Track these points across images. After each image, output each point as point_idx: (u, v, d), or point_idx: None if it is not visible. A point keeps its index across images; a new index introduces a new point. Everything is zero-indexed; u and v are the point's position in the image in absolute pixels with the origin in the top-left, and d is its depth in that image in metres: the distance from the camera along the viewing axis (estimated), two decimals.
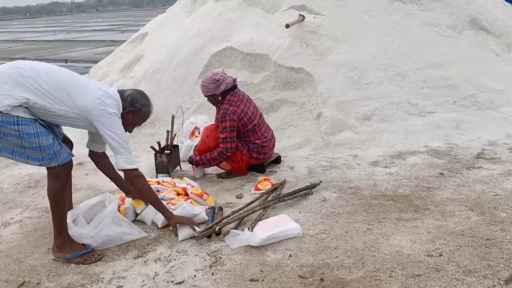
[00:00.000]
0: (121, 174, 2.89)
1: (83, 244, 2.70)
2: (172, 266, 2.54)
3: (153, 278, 2.45)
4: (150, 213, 3.07)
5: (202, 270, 2.50)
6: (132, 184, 2.86)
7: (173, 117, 3.97)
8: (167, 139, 3.90)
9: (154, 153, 3.83)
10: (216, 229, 2.80)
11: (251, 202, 3.19)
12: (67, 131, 2.90)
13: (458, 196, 3.20)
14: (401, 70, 4.86)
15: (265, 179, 3.59)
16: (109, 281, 2.45)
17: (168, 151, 3.84)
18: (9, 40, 22.60)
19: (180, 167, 4.01)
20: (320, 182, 3.51)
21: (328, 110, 4.48)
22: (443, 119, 4.49)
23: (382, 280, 2.31)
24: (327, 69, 4.78)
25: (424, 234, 2.72)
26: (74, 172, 3.11)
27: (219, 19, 5.57)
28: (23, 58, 2.57)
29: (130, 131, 2.88)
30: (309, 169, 3.85)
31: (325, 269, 2.44)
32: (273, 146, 3.91)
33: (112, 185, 3.64)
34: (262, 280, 2.38)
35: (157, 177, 3.71)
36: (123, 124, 2.73)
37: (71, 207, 3.00)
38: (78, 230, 2.69)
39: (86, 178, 3.88)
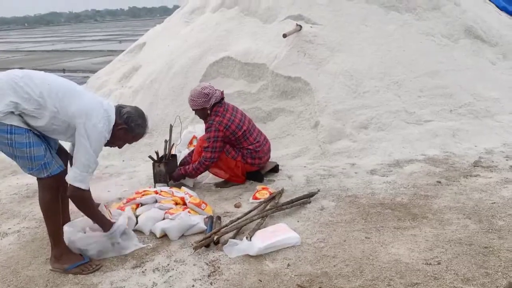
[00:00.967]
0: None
1: (81, 255, 2.69)
2: (170, 276, 2.54)
3: None
4: (148, 224, 3.07)
5: (200, 279, 2.49)
6: (71, 199, 2.64)
7: (171, 126, 3.98)
8: (165, 149, 3.90)
9: (152, 163, 3.83)
10: (214, 238, 2.80)
11: (250, 211, 3.19)
12: (65, 143, 2.88)
13: (455, 204, 3.21)
14: (398, 79, 4.90)
15: (263, 188, 3.59)
16: None
17: (166, 161, 3.84)
18: (7, 50, 22.66)
19: None
20: (318, 190, 3.51)
21: (326, 119, 4.50)
22: (440, 128, 4.51)
23: None
24: (324, 78, 4.81)
25: (422, 242, 2.73)
26: None
27: (217, 29, 5.60)
28: (21, 68, 2.57)
29: (119, 147, 2.88)
30: (307, 178, 3.85)
31: (324, 278, 2.43)
32: (268, 150, 3.92)
33: (109, 195, 3.66)
34: None
35: (155, 187, 3.71)
36: (112, 139, 2.70)
37: (68, 218, 3.00)
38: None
39: None
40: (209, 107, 3.68)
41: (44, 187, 2.56)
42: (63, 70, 12.59)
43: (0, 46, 25.73)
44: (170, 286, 2.45)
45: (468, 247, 2.64)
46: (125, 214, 2.94)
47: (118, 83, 6.01)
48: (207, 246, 2.79)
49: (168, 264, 2.66)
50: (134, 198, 3.36)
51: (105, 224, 2.75)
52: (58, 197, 2.63)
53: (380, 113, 4.59)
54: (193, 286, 2.44)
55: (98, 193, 3.70)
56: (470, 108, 4.77)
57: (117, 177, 4.15)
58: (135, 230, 3.06)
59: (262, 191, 3.53)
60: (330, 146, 4.33)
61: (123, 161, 4.57)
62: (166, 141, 3.94)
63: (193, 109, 3.77)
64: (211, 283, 2.45)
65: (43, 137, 2.57)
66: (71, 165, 2.62)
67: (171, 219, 3.02)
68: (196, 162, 3.69)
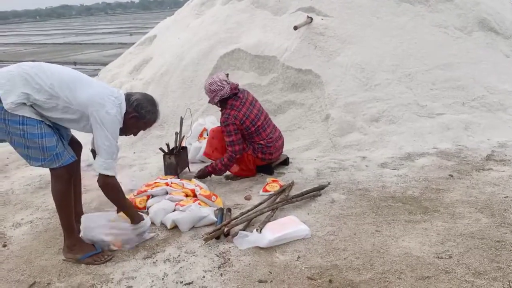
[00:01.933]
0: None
1: (93, 245, 2.72)
2: (181, 267, 2.56)
3: (162, 279, 2.47)
4: (159, 214, 3.09)
5: (210, 271, 2.51)
6: (102, 189, 2.67)
7: (181, 119, 3.99)
8: (175, 141, 3.92)
9: (163, 155, 3.86)
10: (225, 230, 2.81)
11: (260, 204, 3.19)
12: (77, 133, 2.90)
13: (467, 198, 3.18)
14: (410, 71, 4.85)
15: (273, 181, 3.59)
16: (118, 281, 2.47)
17: (177, 153, 3.85)
18: (19, 43, 22.85)
19: (189, 168, 4.03)
20: (329, 183, 3.50)
21: (336, 112, 4.47)
22: (452, 121, 4.47)
23: (391, 282, 2.31)
24: (335, 71, 4.78)
25: (434, 236, 2.71)
26: (84, 173, 3.15)
27: (227, 21, 5.59)
28: (32, 61, 2.62)
29: (134, 135, 2.88)
30: (317, 171, 3.85)
31: (334, 271, 2.43)
32: (281, 146, 3.91)
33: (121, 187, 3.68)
34: (271, 281, 2.38)
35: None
36: (125, 127, 2.71)
37: (81, 210, 3.03)
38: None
39: (96, 179, 3.89)
40: (213, 103, 3.71)
41: (56, 178, 2.58)
42: (74, 63, 12.67)
43: (12, 39, 25.95)
44: (181, 277, 2.47)
45: (480, 241, 2.62)
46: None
47: (129, 76, 6.04)
48: (218, 237, 2.80)
49: (179, 255, 2.68)
50: (145, 190, 3.39)
51: (133, 214, 2.79)
52: (71, 187, 2.65)
53: (392, 106, 4.56)
54: (203, 277, 2.46)
55: None
56: (483, 101, 4.70)
57: (128, 169, 4.18)
58: None
59: (272, 184, 3.53)
60: (341, 139, 4.31)
61: (134, 153, 4.60)
62: (176, 133, 3.96)
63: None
64: (221, 274, 2.46)
65: (55, 128, 2.59)
66: (94, 157, 2.66)
67: (181, 210, 3.04)
68: (225, 158, 3.66)
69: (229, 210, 3.17)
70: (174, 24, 6.64)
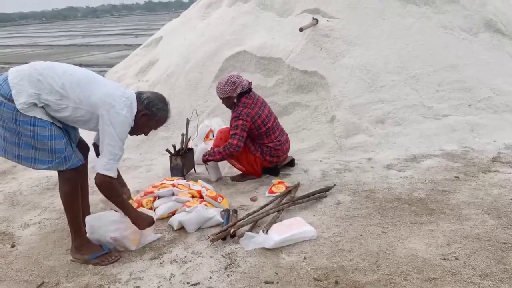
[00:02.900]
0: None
1: (100, 246, 2.74)
2: (188, 268, 2.57)
3: (169, 280, 2.48)
4: (163, 209, 3.12)
5: (217, 271, 2.52)
6: (99, 188, 2.62)
7: (187, 120, 4.01)
8: (181, 142, 3.94)
9: (169, 156, 3.88)
10: (231, 231, 2.83)
11: (266, 205, 3.21)
12: (82, 131, 2.91)
13: (474, 200, 3.18)
14: (415, 73, 4.85)
15: (279, 182, 3.60)
16: (126, 282, 2.49)
17: (183, 154, 3.87)
18: (26, 44, 22.99)
19: (195, 170, 4.04)
20: (334, 185, 3.51)
21: (342, 113, 4.48)
22: (458, 122, 4.46)
23: (398, 284, 2.31)
24: (340, 72, 4.78)
25: (440, 237, 2.71)
26: (90, 175, 3.16)
27: (233, 23, 5.61)
28: None
29: (146, 134, 2.87)
30: (323, 172, 3.85)
31: (340, 272, 2.44)
32: (287, 150, 3.92)
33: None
34: (277, 282, 2.39)
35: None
36: (136, 126, 2.70)
37: (88, 210, 3.05)
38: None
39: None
40: (235, 96, 3.69)
41: (64, 180, 2.60)
42: (80, 65, 12.72)
43: (19, 41, 26.13)
44: (188, 278, 2.48)
45: (487, 243, 2.62)
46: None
47: (135, 77, 6.07)
48: (224, 238, 2.81)
49: (186, 256, 2.69)
50: (151, 191, 3.41)
51: (131, 213, 2.74)
52: (78, 189, 2.67)
53: (397, 108, 4.56)
54: (210, 278, 2.47)
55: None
56: (489, 103, 4.69)
57: (134, 170, 4.20)
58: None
59: (278, 185, 3.54)
60: (346, 141, 4.32)
61: (140, 154, 4.62)
62: (182, 135, 3.98)
63: (220, 98, 3.78)
64: (228, 275, 2.48)
65: (64, 130, 2.60)
66: (97, 155, 2.65)
67: (188, 211, 3.05)
68: (221, 146, 3.68)
69: (235, 211, 3.18)
70: (180, 26, 6.67)
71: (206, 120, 4.55)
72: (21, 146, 2.50)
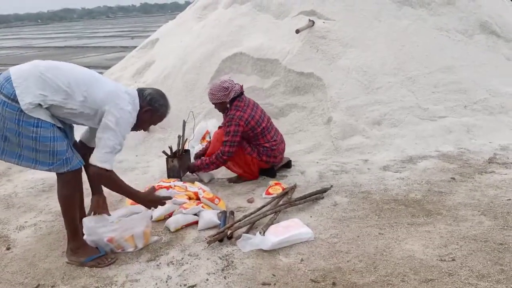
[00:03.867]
0: None
1: (97, 248, 2.73)
2: (184, 270, 2.56)
3: (166, 282, 2.47)
4: (160, 211, 3.12)
5: (214, 273, 2.51)
6: (96, 180, 2.70)
7: (184, 122, 4.00)
8: (178, 144, 3.93)
9: (166, 158, 3.86)
10: (228, 233, 2.82)
11: (263, 207, 3.20)
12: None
13: (470, 201, 3.19)
14: (411, 74, 4.86)
15: (276, 184, 3.60)
16: (122, 284, 2.48)
17: (180, 156, 3.86)
18: (21, 46, 22.92)
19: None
20: (331, 186, 3.51)
21: (338, 115, 4.48)
22: (454, 124, 4.47)
23: (395, 285, 2.31)
24: (337, 74, 4.79)
25: (437, 238, 2.71)
26: (85, 177, 3.15)
27: (229, 25, 5.61)
28: None
29: (145, 130, 2.90)
30: (319, 174, 3.85)
31: (337, 273, 2.44)
32: (283, 150, 3.93)
33: None
34: (274, 284, 2.38)
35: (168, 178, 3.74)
36: (139, 122, 2.72)
37: (84, 213, 3.03)
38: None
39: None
40: (228, 101, 3.71)
41: (64, 183, 2.58)
42: None
43: (14, 42, 26.04)
44: (185, 280, 2.47)
45: (483, 244, 2.63)
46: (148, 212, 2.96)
47: (131, 79, 6.05)
48: (221, 240, 2.81)
49: (182, 258, 2.68)
50: None
51: (138, 197, 2.77)
52: (77, 192, 2.66)
53: (394, 109, 4.56)
54: (207, 280, 2.46)
55: None
56: (485, 104, 4.71)
57: (130, 172, 4.19)
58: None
59: (275, 187, 3.54)
60: (343, 142, 4.32)
61: (136, 156, 4.61)
62: (179, 136, 3.97)
63: (212, 103, 3.80)
64: (224, 277, 2.47)
65: (64, 131, 2.58)
66: (80, 153, 2.65)
67: (184, 213, 3.05)
68: (213, 155, 3.70)
69: (232, 213, 3.18)
70: (176, 28, 6.66)
71: (202, 122, 4.55)
72: (22, 146, 2.48)
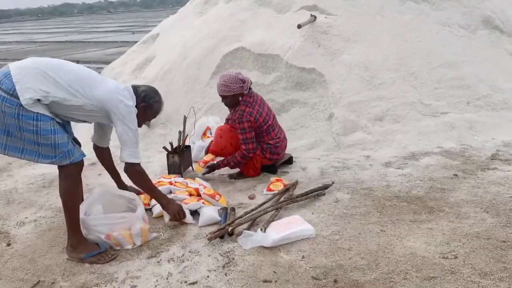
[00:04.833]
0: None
1: (97, 244, 2.72)
2: (185, 267, 2.55)
3: (167, 278, 2.46)
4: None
5: (215, 270, 2.50)
6: (131, 177, 2.85)
7: (185, 117, 3.98)
8: (179, 140, 3.91)
9: (166, 154, 3.85)
10: (229, 229, 2.80)
11: (264, 203, 3.18)
12: (78, 131, 2.95)
13: (473, 198, 3.17)
14: (414, 70, 4.83)
15: (277, 180, 3.58)
16: (123, 280, 2.46)
17: (180, 152, 3.85)
18: (21, 41, 22.86)
19: (192, 167, 4.02)
20: (333, 183, 3.49)
21: (340, 111, 4.46)
22: (456, 120, 4.44)
23: (397, 282, 2.29)
24: (338, 70, 4.76)
25: (439, 236, 2.70)
26: (86, 172, 3.14)
27: (230, 20, 5.57)
28: None
29: (139, 126, 2.90)
30: (321, 170, 3.83)
31: (339, 271, 2.42)
32: (285, 147, 3.91)
33: (129, 184, 3.68)
34: (275, 281, 2.37)
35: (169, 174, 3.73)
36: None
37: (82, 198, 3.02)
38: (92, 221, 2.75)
39: (99, 178, 3.90)
40: (244, 92, 3.60)
41: (66, 176, 2.59)
42: (77, 61, 12.65)
43: (14, 37, 25.99)
44: (185, 276, 2.46)
45: (486, 241, 2.61)
46: (142, 206, 2.94)
47: (132, 74, 6.03)
48: (222, 237, 2.79)
49: (183, 255, 2.67)
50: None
51: (162, 199, 2.94)
52: (79, 185, 2.67)
53: (396, 105, 4.54)
54: (208, 276, 2.45)
55: (114, 183, 3.74)
56: (488, 100, 4.68)
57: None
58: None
59: (276, 183, 3.52)
60: (345, 138, 4.30)
61: None
62: (180, 132, 3.95)
63: (223, 95, 3.63)
64: (225, 274, 2.46)
65: (63, 127, 2.62)
66: (97, 156, 2.90)
67: (185, 209, 3.05)
68: (237, 155, 3.65)
69: (233, 209, 3.16)
70: (177, 23, 6.63)
71: (203, 117, 4.52)
72: (25, 140, 2.50)
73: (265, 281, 2.37)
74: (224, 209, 3.14)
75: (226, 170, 3.91)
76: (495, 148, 4.05)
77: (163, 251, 2.73)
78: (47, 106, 2.50)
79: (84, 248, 2.67)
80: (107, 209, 2.91)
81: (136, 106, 2.78)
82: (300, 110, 4.71)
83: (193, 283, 2.40)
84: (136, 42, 7.34)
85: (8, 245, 2.91)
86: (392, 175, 3.63)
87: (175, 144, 3.91)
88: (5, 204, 3.55)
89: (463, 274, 2.33)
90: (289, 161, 4.01)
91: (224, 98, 3.67)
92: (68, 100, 2.53)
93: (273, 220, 2.89)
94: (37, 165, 4.20)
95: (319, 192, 3.33)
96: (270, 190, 3.46)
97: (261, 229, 2.75)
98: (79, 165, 2.62)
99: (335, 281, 2.34)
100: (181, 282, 2.41)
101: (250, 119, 3.58)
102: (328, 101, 4.59)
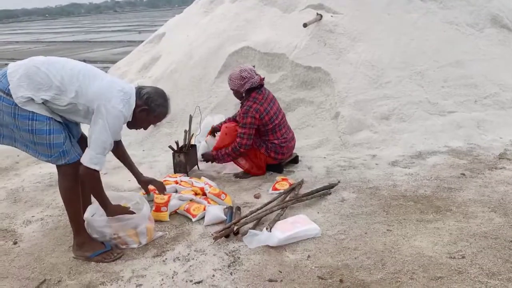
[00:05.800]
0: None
1: (103, 243, 2.72)
2: (190, 266, 2.55)
3: (172, 277, 2.46)
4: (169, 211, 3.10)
5: (220, 269, 2.49)
6: (83, 180, 2.62)
7: (190, 116, 3.98)
8: (184, 139, 3.91)
9: (172, 153, 3.85)
10: (234, 229, 2.80)
11: (269, 202, 3.18)
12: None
13: (480, 197, 3.14)
14: (421, 69, 4.80)
15: (282, 179, 3.57)
16: (128, 279, 2.47)
17: (186, 151, 3.85)
18: (29, 41, 23.01)
19: (198, 166, 4.02)
20: (338, 182, 3.47)
21: (346, 110, 4.44)
22: (464, 119, 4.41)
23: (403, 282, 2.28)
24: (345, 68, 4.74)
25: (446, 235, 2.67)
26: None
27: (236, 19, 5.57)
28: None
29: (145, 129, 2.85)
30: (327, 169, 3.82)
31: (345, 270, 2.41)
32: (293, 147, 3.90)
33: (131, 185, 3.69)
34: (281, 280, 2.36)
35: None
36: (135, 121, 2.69)
37: (90, 203, 3.02)
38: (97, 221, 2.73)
39: (104, 177, 3.86)
40: (242, 91, 3.66)
41: (63, 175, 2.59)
42: (84, 61, 12.70)
43: (22, 37, 26.15)
44: (191, 275, 2.46)
45: (494, 241, 2.59)
46: (147, 205, 2.93)
47: (138, 73, 6.04)
48: (227, 236, 2.79)
49: (189, 254, 2.67)
50: (154, 190, 3.38)
51: (109, 208, 2.72)
52: (78, 185, 2.64)
53: (402, 104, 4.51)
54: (213, 275, 2.44)
55: (120, 183, 3.75)
56: (496, 99, 4.64)
57: (137, 167, 4.16)
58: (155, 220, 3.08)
59: (282, 182, 3.51)
60: (351, 137, 4.28)
61: (143, 150, 4.60)
62: (185, 131, 3.95)
63: (230, 89, 3.78)
64: (231, 273, 2.45)
65: (64, 125, 2.58)
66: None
67: (177, 199, 3.08)
68: (230, 147, 3.67)
69: (238, 208, 3.15)
70: (183, 22, 6.63)
71: (209, 117, 4.52)
72: (24, 138, 2.51)
73: (270, 281, 2.36)
74: (230, 208, 3.13)
75: (230, 169, 3.90)
76: (503, 147, 4.02)
77: (168, 250, 2.73)
78: (43, 105, 2.45)
79: (90, 246, 2.68)
80: None
81: (135, 108, 2.63)
82: (306, 109, 4.70)
83: (199, 282, 2.39)
84: (142, 41, 7.35)
85: (15, 243, 2.93)
86: (399, 175, 3.61)
87: (180, 143, 3.91)
88: (12, 203, 3.56)
89: (471, 274, 2.31)
90: (295, 160, 4.00)
91: (232, 91, 3.78)
92: (58, 99, 2.44)
93: (279, 220, 2.88)
94: (43, 164, 4.21)
95: (325, 191, 3.31)
96: (275, 189, 3.45)
97: (266, 228, 2.74)
98: (76, 165, 2.55)
99: (341, 280, 2.33)
100: (187, 281, 2.41)
101: (255, 115, 3.58)
102: (334, 100, 4.57)
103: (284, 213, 3.00)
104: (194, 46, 5.55)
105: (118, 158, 3.09)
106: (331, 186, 3.39)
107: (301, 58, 4.85)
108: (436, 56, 4.90)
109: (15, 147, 2.61)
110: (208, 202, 3.18)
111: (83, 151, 2.62)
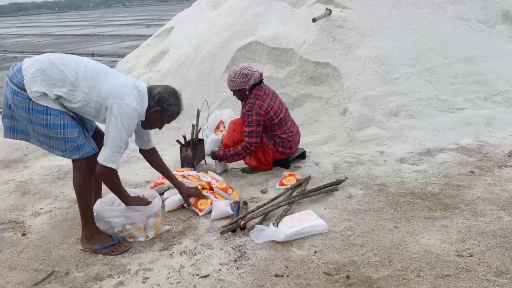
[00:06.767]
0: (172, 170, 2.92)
1: (110, 236, 2.74)
2: (197, 260, 2.56)
3: (179, 271, 2.47)
4: (175, 205, 3.11)
5: (227, 264, 2.50)
6: (101, 178, 2.67)
7: (198, 111, 3.98)
8: (192, 133, 3.92)
9: (180, 147, 3.86)
10: (241, 223, 2.80)
11: (276, 197, 3.17)
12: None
13: (489, 195, 3.11)
14: (430, 65, 4.75)
15: (290, 175, 3.57)
16: (135, 272, 2.48)
17: (193, 145, 3.85)
18: (38, 34, 23.11)
19: (205, 161, 4.02)
20: (346, 178, 3.46)
21: (354, 106, 4.42)
22: (473, 116, 4.37)
23: (410, 280, 2.27)
24: (353, 64, 4.71)
25: (454, 233, 2.66)
26: None
27: (245, 13, 5.55)
28: (52, 52, 2.69)
29: (159, 128, 2.86)
30: (334, 165, 3.81)
31: (351, 267, 2.40)
32: (298, 141, 3.89)
33: (138, 178, 3.71)
34: (287, 276, 2.36)
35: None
36: (149, 121, 2.70)
37: (101, 196, 3.03)
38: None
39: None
40: (247, 88, 3.63)
41: (78, 169, 2.61)
42: (92, 54, 12.75)
43: (31, 30, 26.28)
44: (197, 269, 2.47)
45: (502, 240, 2.56)
46: (158, 197, 2.94)
47: (146, 67, 6.05)
48: (234, 231, 2.79)
49: (195, 248, 2.68)
50: (162, 183, 3.40)
51: (127, 200, 2.77)
52: (92, 178, 2.67)
53: (411, 100, 4.48)
54: (219, 270, 2.45)
55: (127, 176, 3.77)
56: (506, 96, 4.59)
57: (144, 161, 4.14)
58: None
59: (289, 178, 3.51)
60: (359, 133, 4.26)
61: None
62: (193, 126, 3.95)
63: (231, 90, 3.71)
64: (237, 268, 2.46)
65: (79, 120, 2.60)
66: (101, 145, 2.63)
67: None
68: (239, 147, 3.65)
69: (245, 203, 3.16)
70: (191, 16, 6.62)
71: (217, 111, 4.52)
72: (37, 133, 2.53)
73: (276, 276, 2.37)
74: (237, 203, 3.14)
75: (237, 164, 3.90)
76: None
77: (175, 244, 2.74)
78: (57, 100, 2.47)
79: (98, 239, 2.70)
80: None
81: (148, 109, 2.63)
82: (314, 104, 4.68)
83: (205, 276, 2.40)
84: (150, 35, 7.36)
85: (23, 235, 2.96)
86: (407, 171, 3.59)
87: (188, 138, 3.91)
88: (21, 195, 3.60)
89: (478, 272, 2.29)
90: (302, 155, 3.99)
91: (233, 92, 3.72)
92: (71, 95, 2.46)
93: (286, 215, 2.87)
94: (52, 157, 4.24)
95: (332, 187, 3.30)
96: (282, 184, 3.44)
97: (273, 224, 2.74)
98: (91, 159, 2.58)
99: (348, 277, 2.32)
100: (193, 275, 2.42)
101: (260, 112, 3.57)
102: (342, 95, 4.55)
103: (291, 209, 3.00)
104: (203, 40, 5.55)
105: (157, 169, 3.10)
106: (339, 182, 3.38)
107: (309, 53, 4.83)
108: (446, 52, 4.86)
109: (28, 141, 2.64)
110: (215, 197, 3.18)
111: (97, 145, 2.65)
